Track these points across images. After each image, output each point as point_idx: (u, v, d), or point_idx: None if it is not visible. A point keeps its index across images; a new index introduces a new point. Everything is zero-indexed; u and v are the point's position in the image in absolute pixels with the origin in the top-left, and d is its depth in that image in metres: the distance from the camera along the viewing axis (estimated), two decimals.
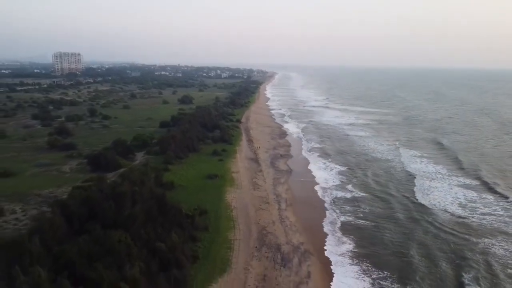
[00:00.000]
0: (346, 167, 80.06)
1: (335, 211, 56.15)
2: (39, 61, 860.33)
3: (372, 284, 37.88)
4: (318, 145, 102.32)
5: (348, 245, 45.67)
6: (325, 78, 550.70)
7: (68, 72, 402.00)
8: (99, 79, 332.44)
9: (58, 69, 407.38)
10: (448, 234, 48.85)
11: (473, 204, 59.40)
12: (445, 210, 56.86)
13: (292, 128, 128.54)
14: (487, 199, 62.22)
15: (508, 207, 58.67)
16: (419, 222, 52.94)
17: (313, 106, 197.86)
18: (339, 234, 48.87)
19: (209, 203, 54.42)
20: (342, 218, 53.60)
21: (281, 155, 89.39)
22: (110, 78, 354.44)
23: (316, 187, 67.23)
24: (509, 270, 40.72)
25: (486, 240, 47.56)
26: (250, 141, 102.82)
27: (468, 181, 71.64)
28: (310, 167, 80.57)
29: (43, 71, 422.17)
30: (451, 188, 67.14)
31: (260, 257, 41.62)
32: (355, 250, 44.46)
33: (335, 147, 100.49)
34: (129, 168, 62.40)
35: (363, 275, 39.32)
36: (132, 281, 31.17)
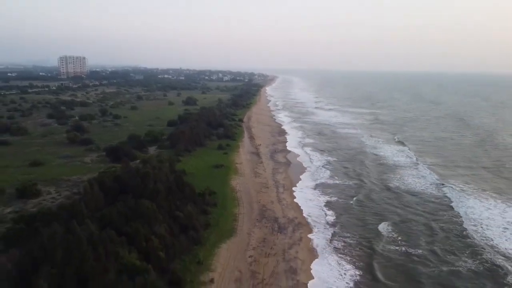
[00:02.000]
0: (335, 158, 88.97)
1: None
2: (42, 64, 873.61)
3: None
4: (312, 140, 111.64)
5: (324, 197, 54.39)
6: (323, 82, 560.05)
7: (74, 75, 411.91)
8: (105, 82, 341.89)
9: (63, 72, 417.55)
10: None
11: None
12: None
13: (290, 126, 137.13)
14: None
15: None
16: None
17: (311, 107, 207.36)
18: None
19: (216, 187, 62.74)
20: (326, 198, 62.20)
21: (279, 150, 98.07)
22: (115, 81, 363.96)
23: (306, 174, 76.05)
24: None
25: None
26: (251, 138, 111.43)
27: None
28: (302, 159, 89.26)
29: (49, 74, 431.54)
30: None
31: (260, 226, 50.10)
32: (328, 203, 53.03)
33: (324, 137, 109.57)
34: (146, 157, 70.78)
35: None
36: (160, 236, 39.61)
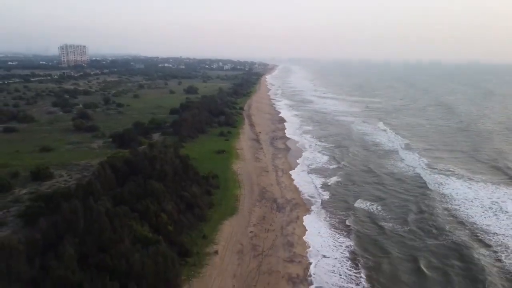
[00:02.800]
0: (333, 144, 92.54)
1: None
2: (41, 53, 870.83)
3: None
4: (310, 127, 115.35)
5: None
6: (323, 71, 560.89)
7: (74, 64, 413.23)
8: (106, 70, 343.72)
9: (64, 61, 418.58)
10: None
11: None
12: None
13: (289, 114, 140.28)
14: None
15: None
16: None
17: (309, 96, 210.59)
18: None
19: (219, 171, 66.22)
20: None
21: (279, 137, 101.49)
22: (116, 69, 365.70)
23: (304, 159, 79.57)
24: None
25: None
26: (252, 125, 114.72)
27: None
28: (301, 145, 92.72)
29: (50, 63, 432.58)
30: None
31: (260, 206, 53.74)
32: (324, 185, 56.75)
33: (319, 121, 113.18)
34: (151, 143, 74.13)
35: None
36: (168, 212, 43.23)
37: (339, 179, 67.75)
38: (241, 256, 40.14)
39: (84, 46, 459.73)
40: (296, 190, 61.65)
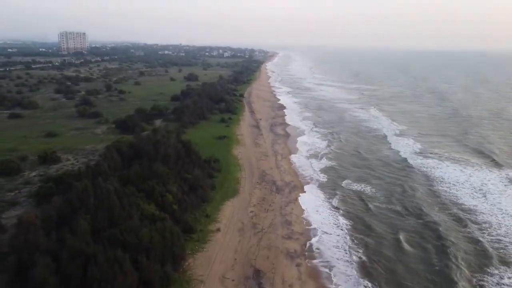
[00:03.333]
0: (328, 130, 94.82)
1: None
2: (40, 40, 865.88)
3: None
4: (309, 114, 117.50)
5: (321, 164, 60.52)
6: (323, 58, 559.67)
7: (74, 51, 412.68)
8: (106, 58, 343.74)
9: (64, 48, 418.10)
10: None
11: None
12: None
13: (289, 101, 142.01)
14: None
15: None
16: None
17: (309, 83, 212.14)
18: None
19: (220, 155, 68.43)
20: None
21: (279, 123, 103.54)
22: (116, 57, 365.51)
23: (303, 145, 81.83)
24: None
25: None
26: (252, 112, 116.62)
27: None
28: (300, 131, 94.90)
29: (50, 50, 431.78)
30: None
31: (260, 188, 56.13)
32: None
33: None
34: (155, 128, 76.25)
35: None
36: (173, 193, 45.55)
37: (336, 163, 70.14)
38: (242, 233, 42.61)
39: (84, 33, 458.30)
40: (295, 173, 63.99)
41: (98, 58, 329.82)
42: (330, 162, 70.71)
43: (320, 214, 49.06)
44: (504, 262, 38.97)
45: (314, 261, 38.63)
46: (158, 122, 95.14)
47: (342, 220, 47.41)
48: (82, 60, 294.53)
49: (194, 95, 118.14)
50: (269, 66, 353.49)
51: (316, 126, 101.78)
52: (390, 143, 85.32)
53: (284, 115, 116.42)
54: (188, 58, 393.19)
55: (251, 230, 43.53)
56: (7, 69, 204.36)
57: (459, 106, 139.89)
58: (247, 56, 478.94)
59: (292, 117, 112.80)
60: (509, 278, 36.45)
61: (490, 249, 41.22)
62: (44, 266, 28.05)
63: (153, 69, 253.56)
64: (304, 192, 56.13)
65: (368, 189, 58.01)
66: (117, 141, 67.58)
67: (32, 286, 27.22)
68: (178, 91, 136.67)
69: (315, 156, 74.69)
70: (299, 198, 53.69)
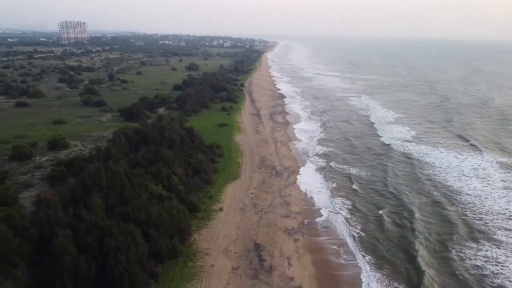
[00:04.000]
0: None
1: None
2: (38, 29, 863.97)
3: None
4: (308, 102, 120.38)
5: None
6: (322, 48, 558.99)
7: (75, 40, 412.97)
8: (107, 47, 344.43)
9: (64, 37, 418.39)
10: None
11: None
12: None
13: (289, 91, 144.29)
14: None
15: None
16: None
17: (308, 73, 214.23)
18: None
19: (222, 142, 71.17)
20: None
21: (278, 112, 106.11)
22: (116, 46, 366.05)
23: (302, 132, 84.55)
24: None
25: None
26: (252, 101, 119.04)
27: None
28: (299, 119, 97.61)
29: (50, 40, 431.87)
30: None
31: (260, 172, 58.93)
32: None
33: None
34: (160, 115, 78.88)
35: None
36: (178, 175, 48.36)
37: (333, 149, 72.98)
38: (243, 213, 45.52)
39: (84, 23, 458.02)
40: (293, 159, 66.75)
41: (99, 48, 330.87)
42: (326, 148, 73.53)
43: (317, 195, 51.90)
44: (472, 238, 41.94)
45: (311, 237, 41.57)
46: (161, 111, 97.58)
47: (336, 200, 50.28)
48: (83, 50, 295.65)
49: (196, 84, 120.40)
50: (269, 56, 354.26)
51: (314, 114, 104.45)
52: (377, 130, 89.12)
53: (284, 104, 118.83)
54: (188, 48, 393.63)
55: (251, 209, 46.41)
56: (10, 58, 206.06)
57: (445, 95, 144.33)
58: (247, 46, 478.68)
59: (291, 106, 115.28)
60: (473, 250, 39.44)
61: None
62: (64, 236, 30.91)
63: (154, 59, 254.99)
64: (301, 175, 58.95)
65: (355, 171, 61.23)
66: (124, 128, 70.34)
67: (54, 254, 30.11)
68: (179, 81, 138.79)
69: (314, 142, 77.40)
70: (297, 181, 56.49)
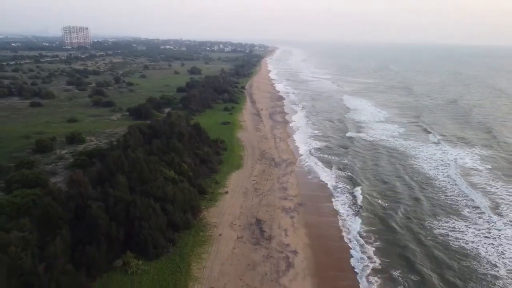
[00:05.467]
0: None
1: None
2: (40, 34, 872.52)
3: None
4: (306, 103, 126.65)
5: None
6: (322, 54, 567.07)
7: (77, 45, 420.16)
8: (110, 52, 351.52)
9: (67, 42, 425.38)
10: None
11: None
12: None
13: (288, 93, 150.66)
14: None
15: None
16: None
17: (307, 76, 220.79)
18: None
19: (225, 138, 77.21)
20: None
21: (278, 112, 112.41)
22: (119, 51, 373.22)
23: (299, 130, 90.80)
24: None
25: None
26: (253, 102, 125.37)
27: None
28: (297, 118, 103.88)
29: (54, 45, 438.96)
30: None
31: (261, 163, 65.05)
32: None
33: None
34: (169, 112, 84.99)
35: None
36: (188, 163, 54.47)
37: (328, 144, 79.33)
38: (245, 195, 51.60)
39: (87, 28, 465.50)
40: (291, 152, 72.90)
41: (102, 53, 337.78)
42: (324, 143, 79.92)
43: (313, 184, 58.07)
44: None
45: (305, 214, 47.66)
46: (167, 111, 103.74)
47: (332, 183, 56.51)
48: (87, 55, 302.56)
49: (199, 86, 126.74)
50: (269, 60, 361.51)
51: (311, 114, 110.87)
52: (372, 128, 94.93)
53: (282, 105, 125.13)
54: (189, 53, 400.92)
55: (253, 193, 52.51)
56: (18, 62, 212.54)
57: (419, 95, 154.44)
58: (247, 51, 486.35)
59: (290, 107, 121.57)
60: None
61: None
62: (98, 207, 36.96)
63: (157, 63, 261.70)
64: (299, 166, 65.15)
65: (345, 161, 67.53)
66: (136, 124, 76.44)
67: (89, 221, 36.11)
68: (183, 83, 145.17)
69: (310, 139, 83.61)
70: (294, 171, 62.61)
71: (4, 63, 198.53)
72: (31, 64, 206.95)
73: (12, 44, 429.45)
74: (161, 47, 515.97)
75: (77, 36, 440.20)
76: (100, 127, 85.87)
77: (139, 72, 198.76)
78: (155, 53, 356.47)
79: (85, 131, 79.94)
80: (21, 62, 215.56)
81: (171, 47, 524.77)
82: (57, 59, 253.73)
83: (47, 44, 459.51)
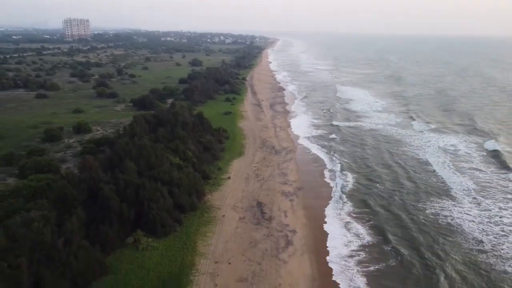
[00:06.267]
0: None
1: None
2: (39, 26, 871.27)
3: None
4: (306, 94, 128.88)
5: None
6: (322, 45, 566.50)
7: (78, 37, 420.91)
8: (111, 44, 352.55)
9: (68, 35, 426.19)
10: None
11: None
12: None
13: (288, 84, 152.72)
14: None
15: None
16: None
17: (307, 67, 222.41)
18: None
19: (227, 127, 79.53)
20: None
21: (278, 102, 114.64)
22: (120, 43, 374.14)
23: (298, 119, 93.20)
24: None
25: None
26: (254, 93, 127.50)
27: None
28: (297, 108, 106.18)
29: (54, 37, 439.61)
30: None
31: (262, 151, 67.52)
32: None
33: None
34: (173, 102, 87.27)
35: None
36: (192, 150, 56.96)
37: (325, 131, 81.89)
38: (247, 181, 54.15)
39: (87, 20, 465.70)
40: (291, 140, 75.36)
41: (104, 45, 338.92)
42: (318, 131, 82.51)
43: (311, 170, 60.63)
44: None
45: (304, 197, 50.24)
46: (169, 101, 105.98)
47: (327, 172, 59.03)
48: (89, 47, 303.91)
49: (200, 77, 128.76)
50: (270, 52, 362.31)
51: (311, 104, 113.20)
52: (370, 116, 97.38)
53: (283, 95, 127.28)
54: (190, 45, 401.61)
55: (254, 178, 55.05)
56: (20, 55, 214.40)
57: (407, 85, 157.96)
58: (248, 43, 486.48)
59: (291, 98, 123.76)
60: None
61: None
62: (109, 189, 39.53)
63: (158, 55, 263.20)
64: (298, 154, 67.70)
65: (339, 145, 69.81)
66: (136, 116, 78.77)
67: (102, 202, 38.69)
68: (184, 75, 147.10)
69: (310, 127, 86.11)
70: (293, 158, 65.10)
71: (7, 56, 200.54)
72: (34, 57, 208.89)
73: (13, 37, 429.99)
74: (162, 39, 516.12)
75: (77, 29, 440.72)
76: (105, 117, 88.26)
77: (140, 64, 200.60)
78: (156, 45, 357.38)
79: (91, 121, 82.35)
80: (24, 54, 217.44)
81: (172, 39, 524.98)
82: (59, 51, 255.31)
83: (48, 36, 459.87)
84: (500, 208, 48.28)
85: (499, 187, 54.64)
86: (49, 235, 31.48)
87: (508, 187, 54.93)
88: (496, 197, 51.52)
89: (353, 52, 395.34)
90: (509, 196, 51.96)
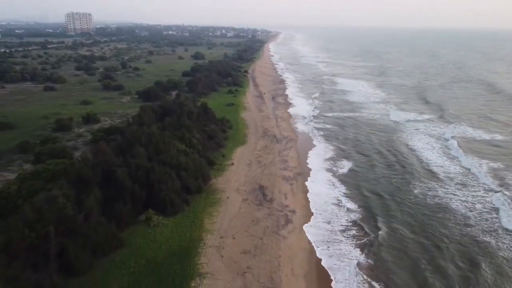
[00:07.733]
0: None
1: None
2: (41, 20, 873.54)
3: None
4: (305, 85, 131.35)
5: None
6: (324, 39, 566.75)
7: (81, 31, 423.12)
8: (114, 38, 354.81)
9: (71, 28, 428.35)
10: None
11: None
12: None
13: (289, 77, 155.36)
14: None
15: None
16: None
17: (309, 60, 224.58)
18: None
19: (230, 117, 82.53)
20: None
21: (279, 94, 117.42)
22: (123, 37, 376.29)
23: (299, 109, 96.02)
24: None
25: None
26: (256, 85, 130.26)
27: None
28: (298, 100, 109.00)
29: (57, 31, 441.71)
30: None
31: (263, 140, 70.55)
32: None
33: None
34: (178, 93, 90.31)
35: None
36: (197, 138, 60.02)
37: (325, 120, 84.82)
38: (250, 166, 57.25)
39: (90, 14, 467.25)
40: (292, 130, 78.39)
41: (107, 39, 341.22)
42: (318, 121, 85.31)
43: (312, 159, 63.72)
44: None
45: (303, 182, 53.35)
46: (174, 94, 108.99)
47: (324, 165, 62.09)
48: (92, 41, 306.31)
49: (203, 70, 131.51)
50: (271, 45, 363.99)
51: (311, 96, 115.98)
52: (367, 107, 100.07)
53: (285, 88, 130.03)
54: (192, 38, 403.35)
55: (256, 164, 58.15)
56: (25, 48, 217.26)
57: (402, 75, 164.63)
58: (249, 36, 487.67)
59: (292, 90, 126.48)
60: None
61: None
62: (122, 171, 42.70)
63: (161, 49, 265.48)
64: (299, 143, 70.73)
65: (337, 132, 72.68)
66: (141, 107, 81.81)
67: (115, 184, 41.86)
68: (188, 68, 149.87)
69: (310, 118, 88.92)
70: (293, 146, 68.14)
71: (13, 50, 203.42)
72: (39, 51, 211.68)
73: (16, 31, 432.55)
74: (164, 32, 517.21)
75: (80, 22, 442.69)
76: (112, 108, 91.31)
77: (144, 57, 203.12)
78: (158, 39, 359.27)
79: (98, 112, 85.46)
80: (29, 48, 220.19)
81: (174, 32, 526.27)
82: (63, 45, 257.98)
83: (50, 30, 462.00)
84: None
85: None
86: (71, 210, 34.69)
87: None
88: None
89: (353, 45, 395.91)
90: None
